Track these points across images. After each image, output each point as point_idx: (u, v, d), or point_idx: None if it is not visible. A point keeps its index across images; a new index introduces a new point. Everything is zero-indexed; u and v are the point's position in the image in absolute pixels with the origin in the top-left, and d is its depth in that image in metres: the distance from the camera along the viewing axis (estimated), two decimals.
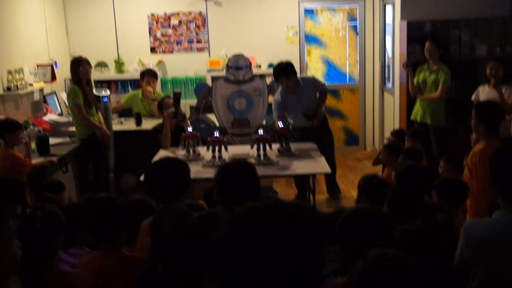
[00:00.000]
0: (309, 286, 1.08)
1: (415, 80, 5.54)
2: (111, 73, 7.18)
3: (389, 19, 6.78)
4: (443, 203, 2.93)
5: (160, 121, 5.40)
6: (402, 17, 5.91)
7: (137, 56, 7.15)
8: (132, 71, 7.09)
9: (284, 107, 5.35)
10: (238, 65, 5.58)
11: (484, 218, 2.20)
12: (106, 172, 5.56)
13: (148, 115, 6.34)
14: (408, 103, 5.82)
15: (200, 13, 7.27)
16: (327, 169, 4.47)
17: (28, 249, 1.92)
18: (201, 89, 5.83)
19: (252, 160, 4.33)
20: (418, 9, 5.89)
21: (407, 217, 2.65)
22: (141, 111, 6.29)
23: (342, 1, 7.51)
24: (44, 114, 5.81)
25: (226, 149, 4.61)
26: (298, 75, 5.67)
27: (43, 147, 4.74)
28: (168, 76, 7.29)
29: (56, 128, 5.55)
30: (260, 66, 7.12)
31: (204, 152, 4.66)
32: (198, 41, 7.33)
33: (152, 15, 7.28)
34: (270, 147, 4.63)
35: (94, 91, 5.49)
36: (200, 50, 7.35)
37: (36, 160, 4.48)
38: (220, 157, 4.45)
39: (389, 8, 6.75)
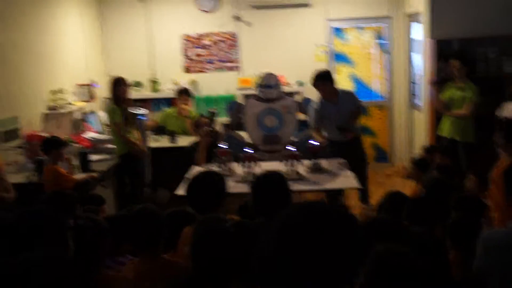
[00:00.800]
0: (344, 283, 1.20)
1: (442, 97, 5.62)
2: (146, 92, 7.45)
3: (415, 36, 6.89)
4: None
5: (194, 138, 5.60)
6: (430, 35, 6.03)
7: (171, 76, 7.42)
8: (166, 90, 7.35)
9: (322, 116, 5.47)
10: (269, 84, 5.74)
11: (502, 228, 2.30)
12: (142, 187, 5.78)
13: (182, 132, 6.54)
14: (437, 119, 5.90)
15: (231, 33, 7.51)
16: (357, 184, 4.53)
17: (79, 255, 2.14)
18: (233, 107, 6.02)
19: None
20: (445, 27, 5.99)
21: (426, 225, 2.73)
22: (175, 129, 6.49)
23: (370, 20, 7.66)
24: (83, 132, 6.09)
25: (258, 165, 4.76)
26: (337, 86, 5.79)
27: (84, 163, 4.99)
28: (201, 94, 7.52)
29: (96, 145, 5.80)
30: (289, 84, 7.29)
31: (236, 167, 4.82)
32: (229, 61, 7.57)
33: (185, 35, 7.56)
34: (301, 163, 4.76)
35: (131, 109, 5.74)
36: (230, 69, 7.58)
37: (78, 175, 4.74)
38: (252, 172, 4.60)
39: (416, 26, 6.87)
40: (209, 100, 7.43)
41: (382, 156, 7.86)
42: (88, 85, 6.49)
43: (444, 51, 5.99)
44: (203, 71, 7.61)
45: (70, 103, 6.02)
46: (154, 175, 6.15)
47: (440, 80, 5.70)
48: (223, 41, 7.55)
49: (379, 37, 7.73)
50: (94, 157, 5.40)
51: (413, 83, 7.24)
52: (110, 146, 5.71)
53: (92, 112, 6.67)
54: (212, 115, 5.45)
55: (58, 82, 6.00)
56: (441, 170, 4.29)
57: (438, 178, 3.62)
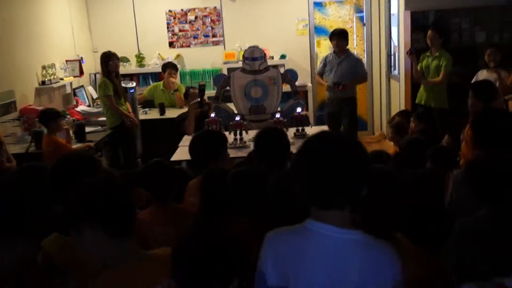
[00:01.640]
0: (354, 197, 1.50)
1: (418, 67, 5.91)
2: (132, 67, 7.63)
3: (394, 10, 7.17)
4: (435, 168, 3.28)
5: (183, 110, 5.82)
6: (406, 7, 6.31)
7: (157, 51, 7.61)
8: (152, 65, 7.55)
9: (325, 64, 6.37)
10: (254, 56, 5.94)
11: None
12: (134, 158, 6.01)
13: (169, 105, 6.77)
14: (413, 88, 6.20)
15: (215, 9, 7.71)
16: None
17: None
18: (220, 79, 6.21)
19: None
20: None
21: None
22: (163, 101, 6.72)
23: None
24: (75, 106, 6.28)
25: (246, 132, 5.03)
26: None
27: (81, 134, 5.21)
28: (186, 68, 7.73)
29: (87, 118, 6.00)
30: (273, 57, 7.53)
31: (227, 135, 5.08)
32: (214, 35, 7.77)
33: (170, 11, 7.72)
34: (287, 130, 5.04)
35: (122, 83, 5.94)
36: (215, 43, 7.79)
37: (75, 145, 4.96)
38: (241, 139, 4.88)
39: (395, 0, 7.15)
40: (194, 74, 7.64)
41: (362, 124, 8.18)
42: (77, 60, 6.66)
43: (420, 22, 6.28)
44: (188, 46, 7.80)
45: (60, 78, 6.19)
46: (145, 146, 6.37)
47: (416, 50, 5.97)
48: (207, 16, 7.74)
49: (359, 10, 7.99)
50: (86, 129, 5.59)
51: (391, 55, 7.53)
52: (101, 119, 5.92)
53: (81, 87, 6.85)
54: (201, 88, 5.67)
55: (48, 58, 6.16)
56: (416, 134, 4.55)
57: (414, 137, 3.89)
